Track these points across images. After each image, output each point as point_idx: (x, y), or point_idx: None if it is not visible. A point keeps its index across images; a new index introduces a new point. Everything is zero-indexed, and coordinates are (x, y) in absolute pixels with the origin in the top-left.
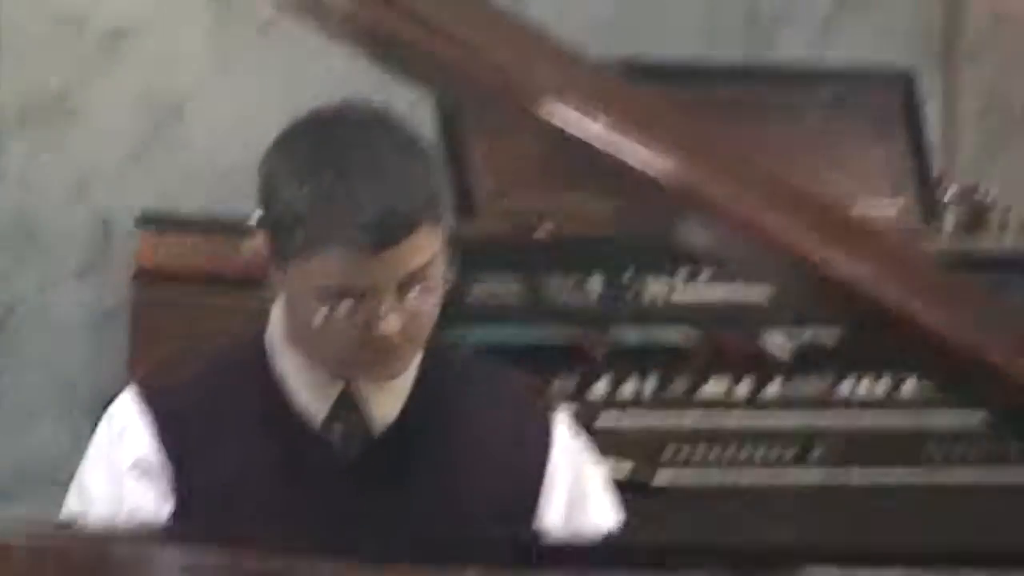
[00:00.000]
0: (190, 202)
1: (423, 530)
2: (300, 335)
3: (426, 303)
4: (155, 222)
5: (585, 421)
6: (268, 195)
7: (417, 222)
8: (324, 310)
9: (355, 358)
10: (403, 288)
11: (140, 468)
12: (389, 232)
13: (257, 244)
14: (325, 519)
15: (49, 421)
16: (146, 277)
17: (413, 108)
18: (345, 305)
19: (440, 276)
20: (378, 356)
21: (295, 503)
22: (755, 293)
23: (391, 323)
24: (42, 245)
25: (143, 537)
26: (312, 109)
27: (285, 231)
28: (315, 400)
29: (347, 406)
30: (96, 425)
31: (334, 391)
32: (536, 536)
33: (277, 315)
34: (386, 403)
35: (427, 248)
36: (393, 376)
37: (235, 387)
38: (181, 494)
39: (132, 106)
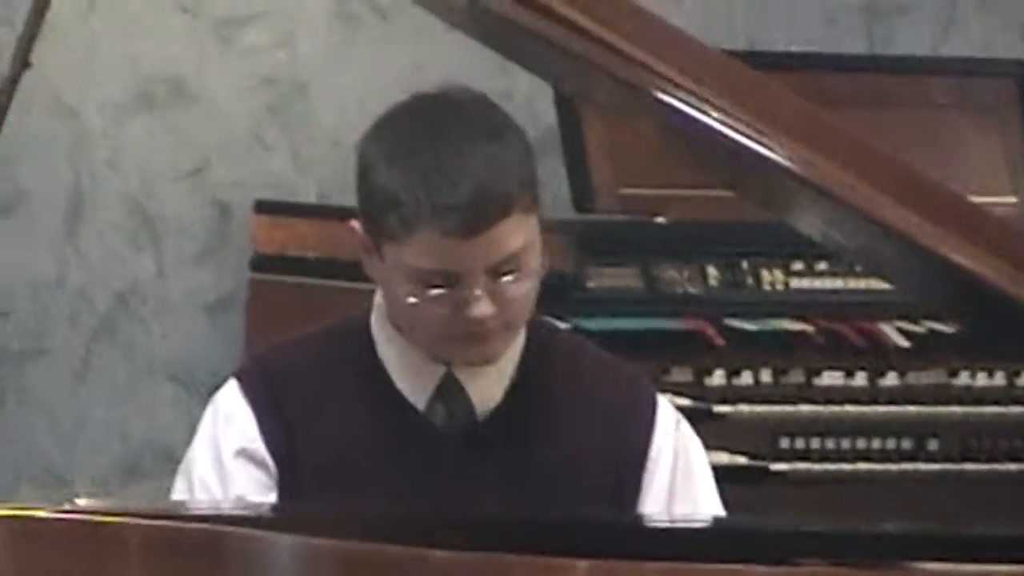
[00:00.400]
0: (307, 186)
1: (526, 512)
2: (397, 318)
3: (520, 290)
4: (272, 208)
5: (702, 410)
6: (363, 179)
7: (509, 208)
8: (417, 293)
9: (449, 342)
10: (496, 273)
11: (245, 455)
12: (481, 217)
13: (351, 229)
14: (430, 502)
15: (166, 405)
16: (263, 262)
17: (532, 96)
18: (438, 288)
19: (535, 263)
20: (471, 340)
21: (400, 486)
22: (872, 283)
23: (482, 308)
24: (159, 230)
25: (254, 522)
26: (410, 95)
27: (379, 214)
28: (417, 383)
29: (450, 390)
30: None
31: (436, 374)
32: (639, 519)
33: (379, 299)
34: (488, 387)
35: (519, 234)
36: (488, 361)
37: (339, 372)
38: (287, 480)
39: (250, 90)
